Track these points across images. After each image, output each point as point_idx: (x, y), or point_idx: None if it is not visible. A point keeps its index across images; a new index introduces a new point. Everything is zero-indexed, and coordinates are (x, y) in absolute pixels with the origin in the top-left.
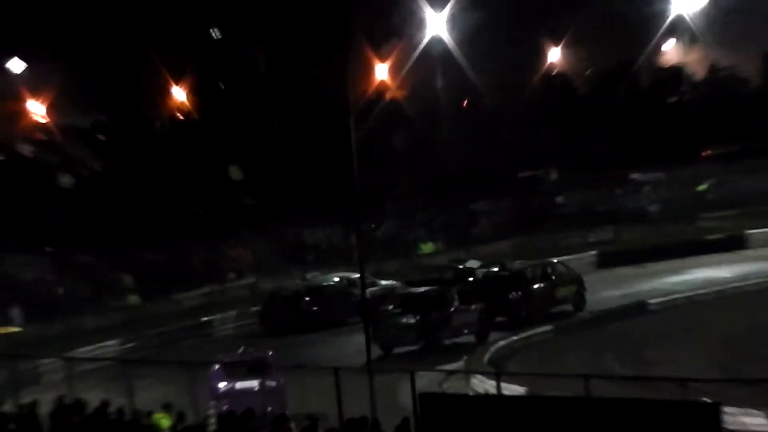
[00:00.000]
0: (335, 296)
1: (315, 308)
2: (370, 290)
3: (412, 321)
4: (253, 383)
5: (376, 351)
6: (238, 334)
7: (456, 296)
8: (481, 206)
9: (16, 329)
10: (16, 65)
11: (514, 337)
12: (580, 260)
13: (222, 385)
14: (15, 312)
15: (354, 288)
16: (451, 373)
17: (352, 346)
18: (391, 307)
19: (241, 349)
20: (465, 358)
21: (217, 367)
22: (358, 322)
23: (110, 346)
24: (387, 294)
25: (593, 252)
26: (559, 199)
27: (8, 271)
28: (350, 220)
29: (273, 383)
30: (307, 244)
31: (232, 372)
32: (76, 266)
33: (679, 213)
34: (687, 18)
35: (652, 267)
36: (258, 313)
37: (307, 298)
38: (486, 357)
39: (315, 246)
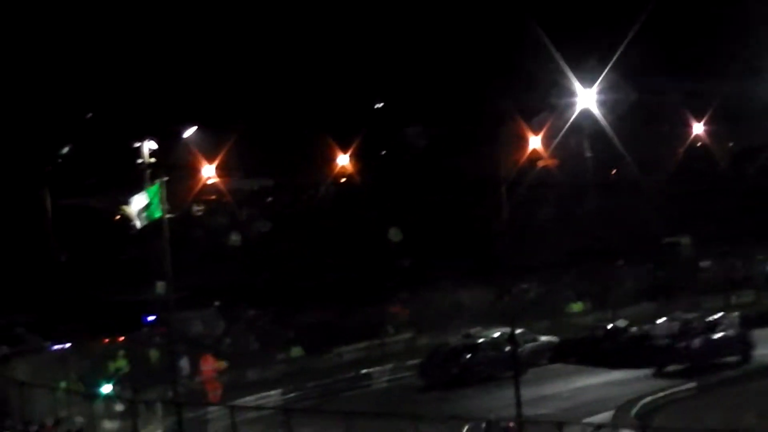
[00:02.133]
0: (491, 352)
1: (474, 363)
2: (530, 345)
3: None
4: None
5: None
6: (394, 386)
7: None
8: (626, 270)
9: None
10: (188, 131)
11: (660, 394)
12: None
13: None
14: (183, 362)
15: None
16: (599, 427)
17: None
18: None
19: None
20: (613, 412)
21: None
22: (509, 377)
23: (273, 396)
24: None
25: (735, 313)
26: (702, 264)
27: (178, 326)
28: (502, 281)
29: None
30: (461, 304)
31: None
32: (243, 321)
33: None
34: None
35: None
36: (419, 367)
37: (467, 354)
38: (633, 411)
39: (469, 305)
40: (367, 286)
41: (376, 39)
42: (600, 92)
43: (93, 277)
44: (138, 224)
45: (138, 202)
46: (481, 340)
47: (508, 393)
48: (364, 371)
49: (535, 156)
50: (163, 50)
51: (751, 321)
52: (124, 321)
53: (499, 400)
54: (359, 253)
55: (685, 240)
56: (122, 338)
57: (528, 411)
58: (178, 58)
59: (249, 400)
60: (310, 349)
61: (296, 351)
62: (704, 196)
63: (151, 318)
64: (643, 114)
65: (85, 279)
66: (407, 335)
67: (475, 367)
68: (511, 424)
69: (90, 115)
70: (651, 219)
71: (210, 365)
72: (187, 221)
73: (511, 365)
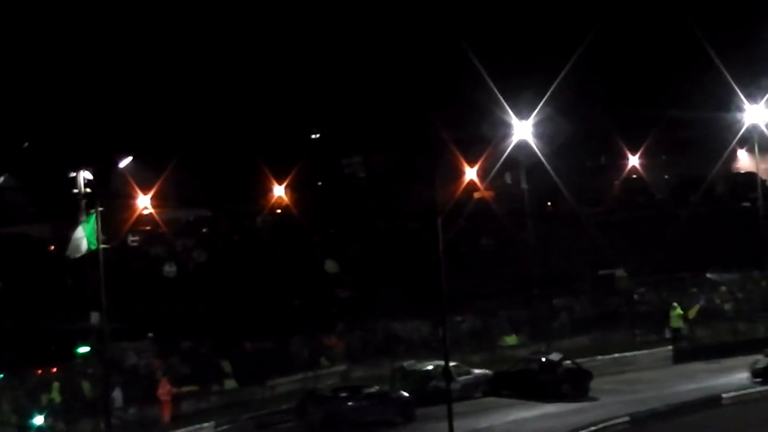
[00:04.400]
0: (373, 397)
1: (346, 407)
2: (463, 378)
3: None
4: None
5: None
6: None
7: None
8: (560, 302)
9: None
10: (124, 160)
11: (593, 428)
12: (656, 355)
13: None
14: (116, 394)
15: (433, 379)
16: None
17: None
18: None
19: None
20: None
21: None
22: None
23: (206, 428)
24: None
25: (669, 347)
26: (637, 297)
27: (113, 356)
28: (438, 314)
29: None
30: (397, 336)
31: None
32: (178, 352)
33: (752, 312)
34: (761, 127)
35: (726, 363)
36: (295, 407)
37: (341, 398)
38: None
39: (404, 338)
40: (303, 318)
41: (313, 70)
42: (536, 124)
43: (28, 307)
44: (74, 254)
45: (77, 233)
46: (362, 385)
47: (443, 426)
48: None
49: (472, 187)
50: (98, 79)
51: (684, 355)
52: (58, 351)
53: None
54: (297, 284)
55: (621, 272)
56: (55, 369)
57: None
58: (113, 87)
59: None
60: (245, 381)
61: (230, 383)
62: (640, 227)
63: (84, 349)
64: (579, 146)
65: (20, 308)
66: (342, 368)
67: (345, 413)
68: None
69: (26, 144)
70: (587, 251)
71: (165, 389)
72: (123, 251)
73: (398, 410)
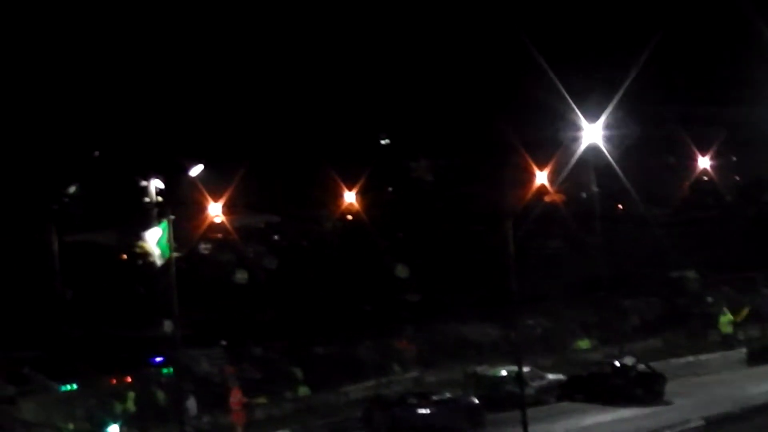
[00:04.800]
0: (440, 402)
1: (412, 414)
2: (537, 383)
3: None
4: None
5: None
6: None
7: None
8: (631, 305)
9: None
10: (194, 168)
11: (668, 431)
12: (729, 357)
13: None
14: (190, 402)
15: (506, 384)
16: None
17: None
18: None
19: None
20: None
21: None
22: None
23: None
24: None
25: (743, 349)
26: (708, 299)
27: (186, 364)
28: (508, 317)
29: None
30: (467, 340)
31: None
32: (249, 358)
33: None
34: None
35: None
36: (362, 414)
37: (408, 404)
38: None
39: (475, 342)
40: (375, 322)
41: (381, 74)
42: (606, 127)
43: (99, 315)
44: (158, 260)
45: (154, 238)
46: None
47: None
48: None
49: (542, 190)
50: (168, 87)
51: (757, 357)
52: (130, 359)
53: None
54: (367, 289)
55: (692, 274)
56: (129, 378)
57: None
58: (183, 94)
59: None
60: (317, 387)
61: (303, 390)
62: (710, 229)
63: (159, 359)
64: (649, 148)
65: (91, 317)
66: (414, 373)
67: (414, 419)
68: None
69: (97, 153)
70: (658, 253)
71: (237, 398)
72: (194, 259)
73: (466, 416)
